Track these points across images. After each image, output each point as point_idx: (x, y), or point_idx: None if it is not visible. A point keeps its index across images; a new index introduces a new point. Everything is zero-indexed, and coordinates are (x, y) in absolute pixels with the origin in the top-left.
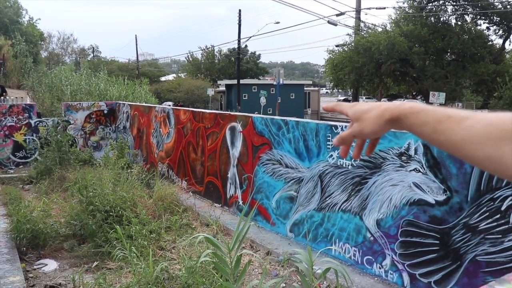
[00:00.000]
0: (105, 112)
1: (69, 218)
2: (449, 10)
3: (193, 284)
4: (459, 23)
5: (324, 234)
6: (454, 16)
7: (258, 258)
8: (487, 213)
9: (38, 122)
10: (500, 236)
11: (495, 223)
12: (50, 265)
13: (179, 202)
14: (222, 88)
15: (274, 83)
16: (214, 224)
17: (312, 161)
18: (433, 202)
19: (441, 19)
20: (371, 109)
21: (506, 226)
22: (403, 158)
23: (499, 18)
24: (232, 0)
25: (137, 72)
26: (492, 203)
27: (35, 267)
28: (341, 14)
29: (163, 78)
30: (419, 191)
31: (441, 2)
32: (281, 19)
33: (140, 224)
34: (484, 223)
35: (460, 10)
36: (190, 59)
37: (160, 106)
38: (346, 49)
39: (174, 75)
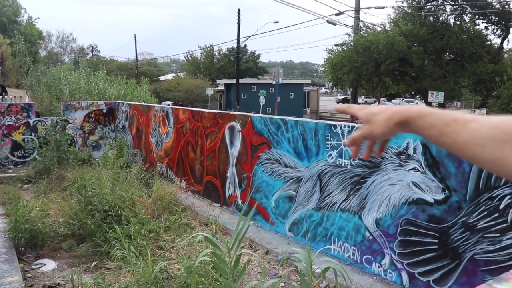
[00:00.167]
0: (104, 111)
1: (67, 218)
2: (447, 9)
3: (192, 284)
4: (458, 22)
5: (323, 233)
6: (453, 16)
7: (257, 257)
8: (486, 212)
9: (36, 122)
10: (499, 234)
11: (493, 222)
12: (49, 265)
13: (178, 201)
14: (221, 88)
15: (273, 82)
16: (213, 224)
17: (311, 161)
18: (432, 201)
19: (440, 18)
20: (381, 112)
21: (505, 225)
22: (402, 157)
23: (497, 18)
24: (231, 0)
25: (136, 72)
26: (490, 201)
27: (33, 267)
28: (340, 13)
29: (162, 78)
30: (418, 190)
31: (439, 1)
32: (281, 19)
33: (139, 223)
34: (483, 221)
35: (458, 10)
36: (190, 58)
37: (159, 105)
38: (345, 48)
39: (173, 74)
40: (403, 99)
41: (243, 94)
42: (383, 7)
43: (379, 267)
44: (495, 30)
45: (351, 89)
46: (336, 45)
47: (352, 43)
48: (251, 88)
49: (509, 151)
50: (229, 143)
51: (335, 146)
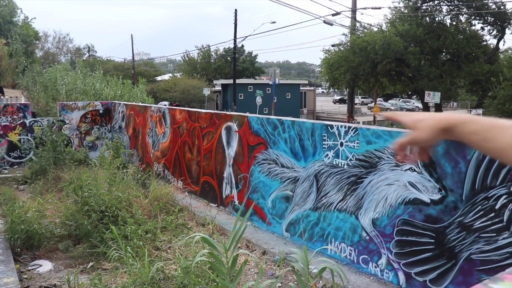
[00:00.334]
0: (101, 111)
1: (64, 219)
2: (444, 10)
3: (189, 284)
4: (454, 23)
5: (320, 233)
6: (449, 16)
7: (254, 258)
8: (482, 212)
9: (33, 122)
10: (495, 234)
11: (489, 222)
12: (45, 266)
13: (175, 202)
14: (218, 88)
15: (270, 82)
16: (210, 224)
17: (307, 161)
18: (428, 201)
19: (436, 19)
20: (426, 119)
21: (500, 225)
22: None
23: (493, 19)
24: (228, 0)
25: (133, 72)
26: (486, 201)
27: (29, 268)
28: (337, 14)
29: (159, 78)
30: (415, 190)
31: (436, 2)
32: (277, 19)
33: (136, 224)
34: (479, 221)
35: (454, 10)
36: (186, 58)
37: (156, 105)
38: (342, 48)
39: (170, 74)
40: (399, 100)
41: (239, 94)
42: (380, 8)
43: (375, 267)
44: (491, 31)
45: (347, 89)
46: (333, 45)
47: (348, 43)
48: (248, 89)
49: None
50: (226, 144)
51: (332, 146)
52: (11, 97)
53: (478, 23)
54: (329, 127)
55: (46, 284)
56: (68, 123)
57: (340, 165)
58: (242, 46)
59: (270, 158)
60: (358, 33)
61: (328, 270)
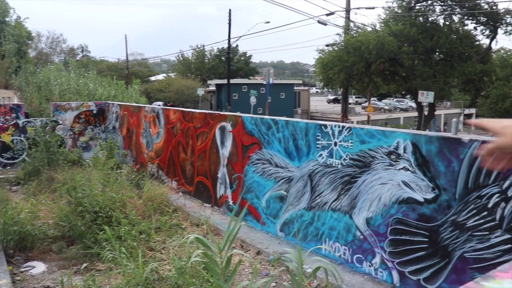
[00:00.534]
0: (94, 112)
1: (57, 220)
2: (437, 10)
3: (183, 285)
4: (447, 23)
5: (314, 233)
6: (442, 16)
7: (249, 257)
8: (475, 210)
9: (26, 123)
10: (487, 232)
11: (482, 220)
12: (38, 267)
13: (169, 202)
14: (212, 88)
15: (264, 82)
16: (204, 224)
17: (302, 161)
18: (422, 200)
19: (430, 19)
20: None
21: (493, 223)
22: (392, 156)
23: (485, 19)
24: (222, 0)
25: (127, 72)
26: (479, 200)
27: (22, 269)
28: (331, 13)
29: (153, 78)
30: (408, 189)
31: (429, 2)
32: (271, 19)
33: (130, 224)
34: (472, 220)
35: (448, 10)
36: (181, 58)
37: (150, 106)
38: (336, 48)
39: (164, 74)
40: (393, 99)
41: (234, 94)
42: (374, 8)
43: (370, 266)
44: (484, 31)
45: (341, 89)
46: (327, 45)
47: (342, 43)
48: (242, 89)
49: None
50: (220, 144)
51: (326, 146)
52: (3, 97)
53: (471, 23)
54: (323, 126)
55: (39, 286)
56: (61, 124)
57: (334, 164)
58: (237, 46)
59: (264, 158)
60: (352, 33)
61: (322, 270)
